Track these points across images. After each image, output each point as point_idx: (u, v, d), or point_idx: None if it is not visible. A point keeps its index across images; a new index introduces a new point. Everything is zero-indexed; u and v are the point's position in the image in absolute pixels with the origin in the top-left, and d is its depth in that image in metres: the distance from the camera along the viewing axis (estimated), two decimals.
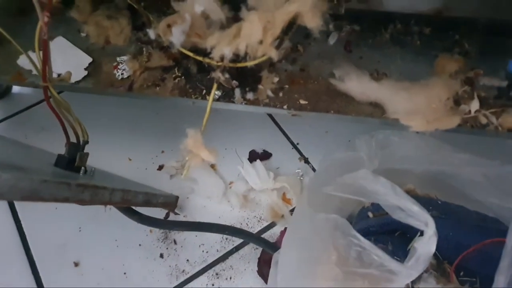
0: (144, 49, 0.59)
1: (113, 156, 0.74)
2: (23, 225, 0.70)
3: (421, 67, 0.55)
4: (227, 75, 0.50)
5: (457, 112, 0.49)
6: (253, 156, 0.75)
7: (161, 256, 0.65)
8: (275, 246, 0.56)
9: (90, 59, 0.60)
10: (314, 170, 0.73)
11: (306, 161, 0.75)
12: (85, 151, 0.55)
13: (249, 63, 0.45)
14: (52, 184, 0.36)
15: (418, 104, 0.49)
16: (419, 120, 0.48)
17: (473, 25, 0.53)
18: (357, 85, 0.52)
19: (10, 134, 0.80)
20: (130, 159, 0.76)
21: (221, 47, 0.44)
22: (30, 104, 0.85)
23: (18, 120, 0.84)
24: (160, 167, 0.75)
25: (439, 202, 0.55)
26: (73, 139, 0.54)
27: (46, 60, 0.46)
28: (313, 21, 0.41)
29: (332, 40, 0.56)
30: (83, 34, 0.63)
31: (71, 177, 0.52)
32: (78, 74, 0.59)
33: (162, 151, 0.77)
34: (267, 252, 0.60)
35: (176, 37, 0.49)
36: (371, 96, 0.51)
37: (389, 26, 0.57)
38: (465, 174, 0.48)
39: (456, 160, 0.47)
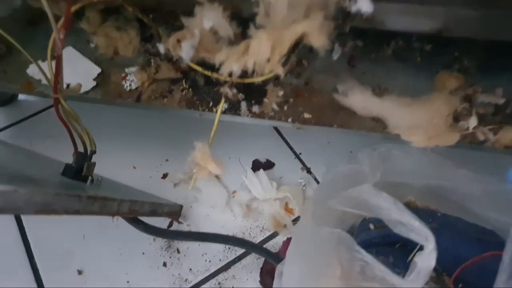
0: (152, 60, 0.60)
1: (118, 164, 0.75)
2: (27, 233, 0.71)
3: (422, 82, 0.56)
4: (234, 90, 0.51)
5: (456, 129, 0.50)
6: (257, 166, 0.76)
7: (164, 264, 0.66)
8: (277, 257, 0.57)
9: (99, 70, 0.61)
10: (316, 180, 0.75)
11: (309, 171, 0.76)
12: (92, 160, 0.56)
13: (257, 79, 0.46)
14: (64, 197, 0.37)
15: (419, 120, 0.50)
16: (420, 136, 0.50)
17: (473, 43, 0.54)
18: (359, 100, 0.53)
19: (15, 140, 0.81)
20: (134, 167, 0.77)
21: (230, 63, 0.45)
22: (36, 111, 0.86)
23: (24, 126, 0.84)
24: (164, 176, 0.76)
25: (439, 214, 0.56)
26: (80, 148, 0.55)
27: (58, 72, 0.48)
28: (319, 41, 0.42)
29: (336, 55, 0.57)
30: (92, 45, 0.64)
31: (78, 186, 0.53)
32: (87, 84, 0.60)
33: (167, 160, 0.78)
34: (270, 262, 0.61)
35: (186, 52, 0.50)
36: (373, 111, 0.53)
37: (391, 42, 0.58)
38: (464, 189, 0.49)
39: (456, 175, 0.49)
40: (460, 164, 0.50)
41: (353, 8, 0.42)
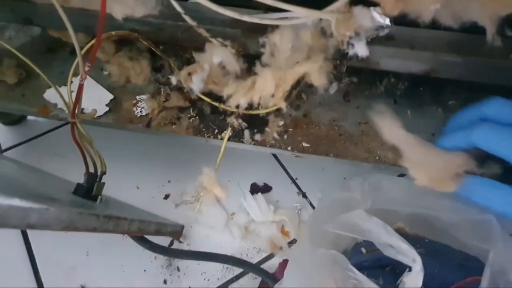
0: (162, 89, 0.65)
1: (122, 184, 0.78)
2: (32, 248, 0.74)
3: (411, 118, 0.61)
4: (240, 121, 0.56)
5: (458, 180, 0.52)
6: (255, 189, 0.80)
7: (165, 282, 0.69)
8: (274, 277, 0.60)
9: (111, 96, 0.65)
10: (311, 204, 0.78)
11: (304, 195, 0.80)
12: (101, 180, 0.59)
13: (261, 112, 0.51)
14: (86, 216, 0.41)
15: (430, 163, 0.53)
16: (424, 176, 0.52)
17: (459, 83, 0.59)
18: (388, 126, 0.55)
19: (25, 158, 0.84)
20: (138, 187, 0.80)
21: (238, 97, 0.50)
22: (44, 131, 0.90)
23: (33, 145, 0.88)
24: (166, 196, 0.79)
25: (426, 241, 0.60)
26: (90, 168, 0.59)
27: (78, 99, 0.52)
28: (319, 81, 0.47)
29: (332, 90, 0.62)
30: (105, 73, 0.68)
31: (89, 205, 0.56)
32: (100, 109, 0.64)
33: (169, 181, 0.81)
34: (266, 282, 0.64)
35: (196, 84, 0.55)
36: (394, 139, 0.55)
37: (384, 80, 0.64)
38: (446, 218, 0.54)
39: (438, 205, 0.53)
40: (441, 194, 0.54)
41: (351, 52, 0.47)
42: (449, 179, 0.52)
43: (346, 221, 0.51)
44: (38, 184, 0.57)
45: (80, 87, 0.49)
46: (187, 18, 0.46)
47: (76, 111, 0.55)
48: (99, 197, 0.59)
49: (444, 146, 0.53)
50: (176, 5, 0.45)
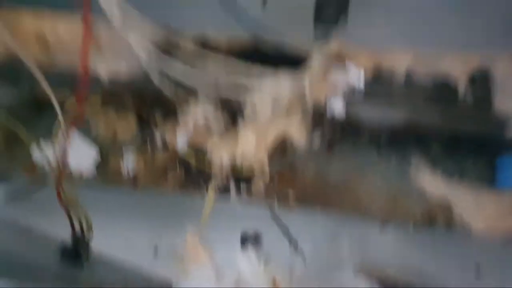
0: (148, 146, 0.65)
1: (111, 238, 0.76)
2: None
3: (397, 168, 0.62)
4: (224, 177, 0.56)
5: None
6: (245, 240, 0.79)
7: None
8: None
9: (97, 154, 0.65)
10: (303, 256, 0.77)
11: (296, 246, 0.78)
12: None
13: (244, 172, 0.52)
14: None
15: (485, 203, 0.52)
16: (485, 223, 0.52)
17: (439, 133, 0.61)
18: (430, 181, 0.56)
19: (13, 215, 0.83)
20: (127, 241, 0.79)
21: (221, 153, 0.51)
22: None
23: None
24: (156, 251, 0.78)
25: None
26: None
27: (63, 167, 0.52)
28: (299, 135, 0.49)
29: (315, 142, 0.63)
30: (92, 129, 0.68)
31: (75, 268, 0.55)
32: (87, 169, 0.64)
33: (158, 237, 0.80)
34: None
35: (180, 141, 0.56)
36: (440, 193, 0.56)
37: (366, 130, 0.64)
38: (436, 265, 0.53)
39: (426, 253, 0.53)
40: (429, 245, 0.53)
41: (328, 113, 0.49)
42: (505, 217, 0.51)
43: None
44: (18, 246, 0.56)
45: (65, 153, 0.49)
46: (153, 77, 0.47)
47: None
48: (86, 258, 0.58)
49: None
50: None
